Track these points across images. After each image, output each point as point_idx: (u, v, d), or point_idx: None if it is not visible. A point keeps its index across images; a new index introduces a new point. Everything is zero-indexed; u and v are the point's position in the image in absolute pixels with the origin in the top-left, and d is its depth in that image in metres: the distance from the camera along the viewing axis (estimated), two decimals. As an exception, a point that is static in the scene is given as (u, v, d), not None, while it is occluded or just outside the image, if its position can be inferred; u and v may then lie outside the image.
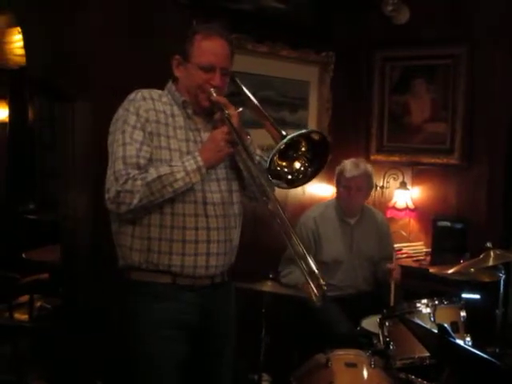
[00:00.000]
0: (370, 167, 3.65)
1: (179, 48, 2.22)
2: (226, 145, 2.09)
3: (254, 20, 3.67)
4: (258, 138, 2.51)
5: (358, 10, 4.56)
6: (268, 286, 2.96)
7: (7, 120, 6.85)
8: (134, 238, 2.15)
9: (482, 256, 3.10)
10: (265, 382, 3.33)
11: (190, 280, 2.16)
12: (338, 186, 3.66)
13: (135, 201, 2.02)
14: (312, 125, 4.49)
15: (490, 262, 3.04)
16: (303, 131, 2.09)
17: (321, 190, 4.63)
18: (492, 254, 3.06)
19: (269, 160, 2.02)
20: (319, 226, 3.60)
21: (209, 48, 2.16)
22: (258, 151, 2.34)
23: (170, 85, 2.28)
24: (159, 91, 2.25)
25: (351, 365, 2.81)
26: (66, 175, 3.15)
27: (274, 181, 2.08)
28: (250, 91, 2.34)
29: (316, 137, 2.09)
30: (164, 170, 2.05)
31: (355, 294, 3.59)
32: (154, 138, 2.12)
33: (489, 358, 1.98)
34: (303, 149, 2.11)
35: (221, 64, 2.17)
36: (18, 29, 3.97)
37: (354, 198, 3.59)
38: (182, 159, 2.10)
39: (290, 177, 2.12)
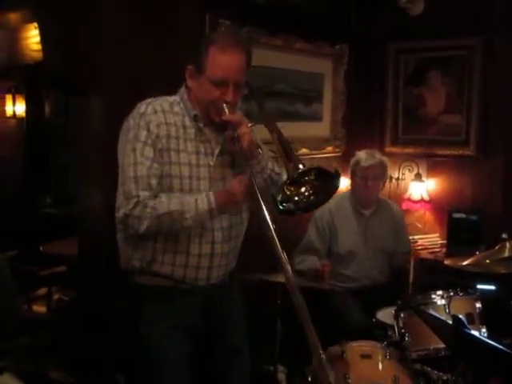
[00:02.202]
0: (384, 157, 3.65)
1: (192, 50, 2.16)
2: (243, 197, 2.06)
3: (268, 13, 3.67)
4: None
5: (372, 2, 4.54)
6: (283, 278, 2.97)
7: (24, 115, 6.92)
8: (138, 249, 2.16)
9: (497, 247, 3.09)
10: (280, 374, 3.34)
11: (191, 286, 2.17)
12: (353, 178, 3.67)
13: (143, 227, 2.01)
14: (326, 117, 4.49)
15: (506, 253, 3.02)
16: (315, 166, 2.08)
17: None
18: (507, 245, 3.05)
19: (279, 191, 2.04)
20: (334, 217, 3.62)
21: (223, 62, 2.06)
22: (270, 164, 2.27)
23: (183, 91, 2.21)
24: (171, 99, 2.19)
25: (366, 356, 2.81)
26: (80, 170, 3.18)
27: (285, 204, 2.06)
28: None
29: (327, 172, 2.09)
30: (175, 205, 2.02)
31: (370, 285, 3.60)
32: (164, 154, 2.08)
33: (505, 349, 1.98)
34: (312, 177, 2.09)
35: (235, 78, 2.09)
36: (35, 24, 4.00)
37: (371, 188, 3.60)
38: (194, 194, 2.06)
39: (296, 198, 2.10)
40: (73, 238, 3.69)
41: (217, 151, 2.18)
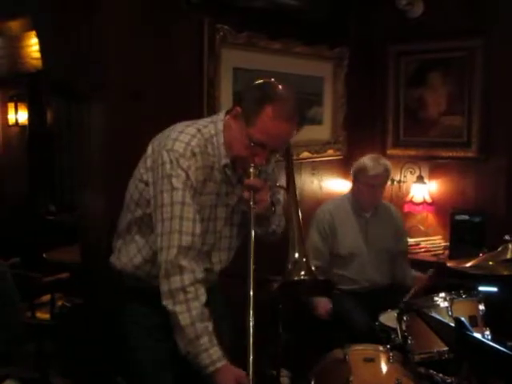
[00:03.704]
0: (388, 162, 3.65)
1: (247, 91, 2.08)
2: None
3: (267, 17, 3.67)
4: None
5: (371, 4, 4.54)
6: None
7: (26, 123, 6.95)
8: (130, 264, 2.19)
9: (500, 249, 3.07)
10: (284, 378, 3.33)
11: None
12: (356, 183, 3.64)
13: (169, 307, 1.96)
14: (327, 121, 4.49)
15: (509, 255, 3.01)
16: (321, 279, 2.23)
17: (337, 185, 4.64)
18: (510, 246, 3.02)
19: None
20: (334, 219, 3.62)
21: (272, 130, 1.97)
22: (278, 221, 2.29)
23: (220, 124, 2.11)
24: (206, 133, 2.09)
25: (369, 360, 2.80)
26: (81, 176, 3.18)
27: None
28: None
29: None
30: (191, 329, 1.92)
31: (371, 287, 3.59)
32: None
33: (508, 351, 1.97)
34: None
35: (275, 147, 2.05)
36: (35, 32, 4.01)
37: (376, 195, 3.60)
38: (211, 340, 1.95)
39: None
40: (76, 244, 3.70)
41: (237, 192, 2.16)
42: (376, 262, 3.62)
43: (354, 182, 3.66)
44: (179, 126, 2.12)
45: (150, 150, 2.12)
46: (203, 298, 1.98)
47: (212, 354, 1.92)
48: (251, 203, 2.03)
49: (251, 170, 2.03)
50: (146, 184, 2.10)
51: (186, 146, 2.02)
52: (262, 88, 2.05)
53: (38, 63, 4.86)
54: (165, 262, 1.97)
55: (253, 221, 2.02)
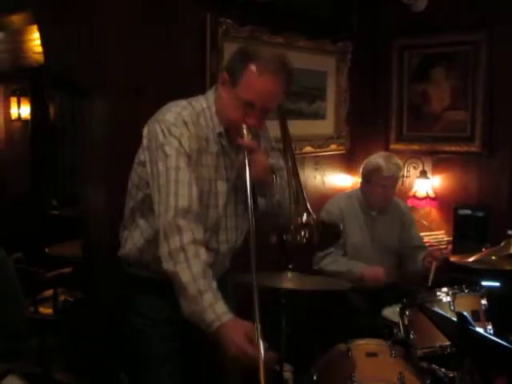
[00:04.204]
0: (398, 160, 3.63)
1: (231, 57, 2.09)
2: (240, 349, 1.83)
3: (269, 11, 3.65)
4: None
5: (374, -1, 4.53)
6: (289, 280, 2.94)
7: (29, 117, 6.94)
8: (143, 251, 2.17)
9: (503, 244, 3.07)
10: (286, 373, 3.33)
11: None
12: (368, 184, 3.58)
13: (170, 268, 1.92)
14: (330, 115, 4.48)
15: (511, 250, 3.01)
16: (325, 221, 2.14)
17: (340, 179, 4.63)
18: (513, 241, 3.04)
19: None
20: (344, 215, 3.58)
21: (257, 85, 1.99)
22: (281, 190, 2.25)
23: (211, 97, 2.15)
24: (198, 107, 2.12)
25: (372, 354, 2.80)
26: (84, 171, 3.18)
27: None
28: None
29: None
30: (193, 286, 1.87)
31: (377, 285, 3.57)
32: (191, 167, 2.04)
33: (509, 345, 1.97)
34: (314, 228, 2.13)
35: (264, 105, 2.04)
36: (36, 26, 4.01)
37: (388, 195, 3.57)
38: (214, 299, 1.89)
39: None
40: (78, 239, 3.70)
41: (237, 165, 2.16)
42: (381, 260, 3.59)
43: (366, 182, 3.61)
44: (170, 103, 2.15)
45: (145, 131, 2.13)
46: (205, 257, 1.94)
47: (217, 309, 1.86)
48: (247, 164, 2.02)
49: (244, 130, 2.03)
50: (144, 165, 2.10)
51: (176, 115, 2.05)
52: (244, 49, 2.10)
53: (41, 57, 4.84)
54: (163, 225, 1.95)
55: (249, 184, 1.99)
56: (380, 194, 3.55)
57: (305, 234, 2.13)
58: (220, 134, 2.11)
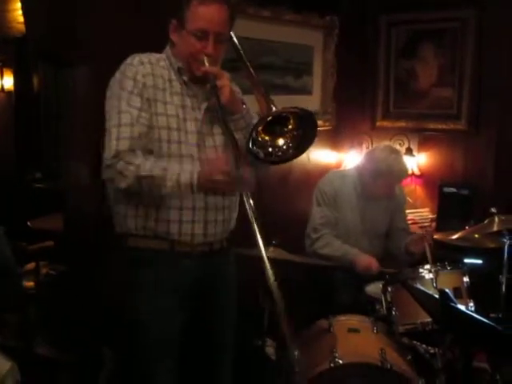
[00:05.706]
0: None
1: (177, 12, 2.15)
2: (224, 178, 1.98)
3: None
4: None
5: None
6: (271, 253, 2.94)
7: (12, 89, 6.84)
8: (129, 206, 2.13)
9: (486, 222, 3.08)
10: (268, 347, 3.34)
11: (188, 247, 2.15)
12: (373, 178, 3.43)
13: (123, 184, 2.01)
14: (316, 91, 4.45)
15: (495, 228, 3.02)
16: (291, 109, 2.03)
17: (326, 156, 4.61)
18: (496, 219, 3.05)
19: (253, 129, 2.00)
20: (337, 196, 3.48)
21: (203, 13, 2.08)
22: (255, 120, 2.20)
23: (167, 49, 2.23)
24: (157, 55, 2.21)
25: (354, 330, 2.81)
26: (67, 143, 3.14)
27: (255, 149, 2.04)
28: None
29: (305, 116, 2.04)
30: (158, 170, 1.99)
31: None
32: (152, 104, 2.09)
33: (490, 322, 1.98)
34: (290, 126, 2.06)
35: (214, 30, 2.09)
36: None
37: (392, 191, 3.52)
38: (182, 162, 2.07)
39: (270, 149, 2.08)
40: (60, 213, 3.67)
41: (204, 106, 2.18)
42: (370, 245, 3.55)
43: (371, 177, 3.45)
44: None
45: None
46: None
47: (185, 169, 2.01)
48: (216, 92, 2.06)
49: (205, 58, 2.09)
50: None
51: (133, 57, 2.15)
52: None
53: (24, 27, 4.76)
54: (108, 153, 2.01)
55: (221, 111, 2.06)
56: (384, 192, 3.48)
57: (285, 141, 2.09)
58: (180, 69, 2.17)
